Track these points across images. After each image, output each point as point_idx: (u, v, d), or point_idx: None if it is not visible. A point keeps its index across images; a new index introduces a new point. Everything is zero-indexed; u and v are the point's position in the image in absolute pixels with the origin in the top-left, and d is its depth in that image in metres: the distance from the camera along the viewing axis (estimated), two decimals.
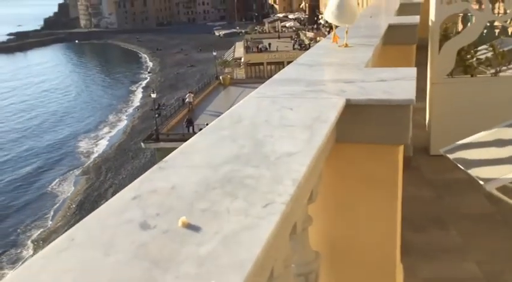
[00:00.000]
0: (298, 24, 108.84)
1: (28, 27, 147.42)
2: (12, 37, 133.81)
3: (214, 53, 63.49)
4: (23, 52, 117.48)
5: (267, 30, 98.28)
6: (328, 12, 3.43)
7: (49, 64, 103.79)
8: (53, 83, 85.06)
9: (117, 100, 72.33)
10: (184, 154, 1.71)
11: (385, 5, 8.37)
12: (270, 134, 1.88)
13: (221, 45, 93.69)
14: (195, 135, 1.91)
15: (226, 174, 1.52)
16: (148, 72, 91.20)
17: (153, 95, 43.13)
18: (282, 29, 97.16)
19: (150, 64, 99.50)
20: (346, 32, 3.63)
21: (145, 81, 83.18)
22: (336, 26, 3.84)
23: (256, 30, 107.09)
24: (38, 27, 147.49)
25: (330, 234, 2.59)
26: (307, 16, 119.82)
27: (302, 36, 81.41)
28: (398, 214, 2.61)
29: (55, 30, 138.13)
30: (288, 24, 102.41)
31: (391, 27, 5.29)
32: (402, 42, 5.34)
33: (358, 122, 2.37)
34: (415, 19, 5.44)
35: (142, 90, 76.28)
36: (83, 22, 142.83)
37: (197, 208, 1.31)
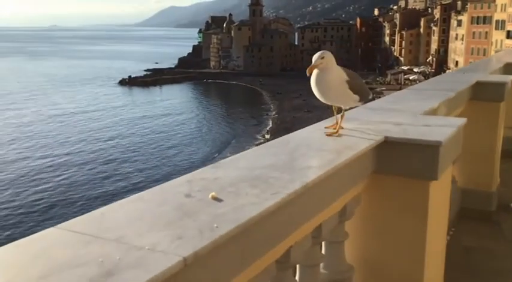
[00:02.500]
0: (422, 77, 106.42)
1: (164, 65, 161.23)
2: (148, 73, 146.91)
3: None
4: (157, 87, 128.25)
5: (389, 82, 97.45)
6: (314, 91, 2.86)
7: (180, 100, 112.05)
8: (182, 117, 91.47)
9: (236, 138, 75.76)
10: (234, 160, 2.31)
11: (487, 63, 8.44)
12: (305, 153, 2.42)
13: None
14: (250, 149, 2.50)
15: (257, 174, 2.08)
16: (267, 114, 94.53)
17: (267, 136, 44.72)
18: (404, 82, 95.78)
19: (270, 106, 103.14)
20: (342, 117, 2.96)
21: (262, 122, 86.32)
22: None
23: (378, 81, 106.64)
24: (173, 66, 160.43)
25: (365, 253, 2.99)
26: (433, 70, 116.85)
27: None
28: (430, 245, 2.92)
29: (187, 69, 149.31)
30: (411, 77, 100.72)
31: (478, 84, 5.53)
32: (488, 99, 5.53)
33: (394, 157, 2.79)
34: (504, 78, 5.61)
35: (259, 130, 79.19)
36: (212, 63, 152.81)
37: (226, 190, 1.89)
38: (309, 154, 2.41)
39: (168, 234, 1.49)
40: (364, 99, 2.96)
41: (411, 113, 3.54)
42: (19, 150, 62.85)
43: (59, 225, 1.54)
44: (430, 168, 2.73)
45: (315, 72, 2.74)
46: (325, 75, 2.73)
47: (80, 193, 49.59)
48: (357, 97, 2.85)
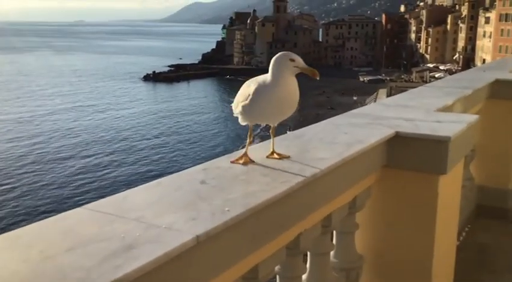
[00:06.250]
0: (448, 75, 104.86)
1: (187, 61, 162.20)
2: (172, 68, 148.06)
3: (355, 98, 64.08)
4: (180, 83, 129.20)
5: (414, 80, 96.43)
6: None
7: (204, 97, 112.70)
8: (205, 115, 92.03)
9: (260, 133, 76.09)
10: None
11: (508, 61, 8.39)
12: (317, 146, 2.54)
13: (364, 91, 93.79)
14: (264, 141, 2.63)
15: (268, 164, 2.22)
16: None
17: (289, 132, 44.62)
18: (430, 80, 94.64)
19: None
20: (272, 136, 2.42)
21: (286, 119, 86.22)
22: None
23: (402, 78, 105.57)
24: (196, 61, 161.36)
25: (375, 244, 3.09)
26: (459, 68, 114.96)
27: None
28: (439, 239, 2.99)
29: (210, 65, 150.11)
30: (437, 75, 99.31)
31: (497, 82, 5.55)
32: (507, 97, 5.54)
33: (404, 151, 2.89)
34: None
35: (282, 126, 78.99)
36: (235, 59, 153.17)
37: (239, 178, 2.02)
38: (320, 147, 2.53)
39: (183, 215, 1.63)
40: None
41: (425, 109, 3.62)
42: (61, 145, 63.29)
43: (85, 206, 1.70)
44: (439, 162, 2.82)
45: None
46: None
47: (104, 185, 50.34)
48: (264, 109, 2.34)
